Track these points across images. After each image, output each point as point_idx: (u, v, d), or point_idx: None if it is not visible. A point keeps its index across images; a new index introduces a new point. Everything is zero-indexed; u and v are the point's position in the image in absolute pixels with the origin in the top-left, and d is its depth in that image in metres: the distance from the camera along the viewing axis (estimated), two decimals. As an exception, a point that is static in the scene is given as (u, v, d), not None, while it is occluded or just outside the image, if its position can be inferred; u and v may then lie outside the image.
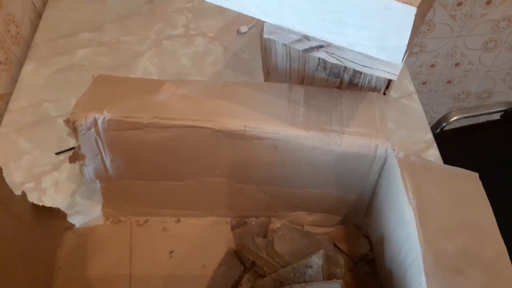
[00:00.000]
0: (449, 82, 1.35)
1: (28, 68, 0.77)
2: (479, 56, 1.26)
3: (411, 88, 0.76)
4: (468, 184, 0.43)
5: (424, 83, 1.35)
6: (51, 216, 0.54)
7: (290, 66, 0.56)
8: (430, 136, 0.69)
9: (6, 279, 0.43)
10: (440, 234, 0.38)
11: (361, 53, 0.47)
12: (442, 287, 0.35)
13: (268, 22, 0.48)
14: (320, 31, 0.40)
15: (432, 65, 1.28)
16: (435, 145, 0.68)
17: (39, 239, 0.51)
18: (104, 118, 0.48)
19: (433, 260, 0.36)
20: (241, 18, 0.85)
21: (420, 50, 1.23)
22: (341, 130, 0.47)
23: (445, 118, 1.05)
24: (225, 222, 0.58)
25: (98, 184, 0.56)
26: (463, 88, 1.38)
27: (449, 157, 0.68)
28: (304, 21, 0.40)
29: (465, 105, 1.46)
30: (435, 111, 1.45)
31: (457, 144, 1.05)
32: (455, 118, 1.03)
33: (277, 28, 0.51)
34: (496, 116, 1.09)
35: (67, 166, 0.64)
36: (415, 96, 0.74)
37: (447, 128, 1.05)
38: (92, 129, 0.49)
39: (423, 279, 0.35)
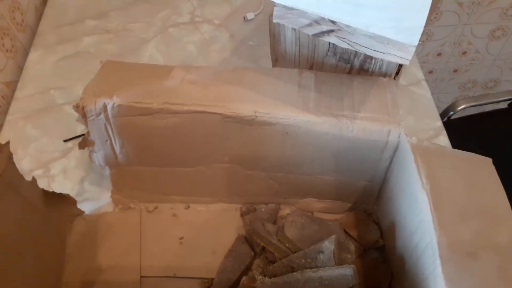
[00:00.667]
0: (455, 71, 1.34)
1: (34, 55, 0.76)
2: (486, 45, 1.25)
3: (420, 75, 0.75)
4: (482, 169, 0.42)
5: (431, 72, 1.33)
6: (60, 203, 0.54)
7: (299, 52, 0.56)
8: (439, 123, 0.69)
9: (17, 264, 0.43)
10: (455, 218, 0.38)
11: (373, 38, 0.47)
12: (458, 271, 0.35)
13: (278, 6, 0.47)
14: (335, 12, 0.40)
15: (439, 54, 1.27)
16: (444, 132, 0.68)
17: (49, 225, 0.51)
18: (113, 104, 0.48)
19: (448, 244, 0.36)
20: (247, 5, 0.84)
21: (427, 39, 1.21)
22: (352, 116, 0.46)
23: (452, 107, 1.04)
24: (234, 208, 0.58)
25: (107, 171, 0.56)
26: (469, 77, 1.37)
27: (456, 146, 0.68)
28: (319, 1, 0.40)
29: (471, 95, 1.45)
30: (441, 100, 1.44)
31: (464, 133, 1.05)
32: (462, 106, 1.02)
33: (288, 12, 0.50)
34: (503, 105, 1.08)
35: (75, 153, 0.64)
36: (424, 83, 0.74)
37: (454, 117, 1.05)
38: (102, 115, 0.49)
39: (438, 263, 0.35)
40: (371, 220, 0.56)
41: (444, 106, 1.06)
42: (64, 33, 0.80)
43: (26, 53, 0.78)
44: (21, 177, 0.45)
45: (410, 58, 0.47)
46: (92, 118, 0.49)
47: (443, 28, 1.18)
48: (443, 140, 0.66)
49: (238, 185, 0.57)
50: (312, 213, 0.58)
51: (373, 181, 0.52)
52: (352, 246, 0.52)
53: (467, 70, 1.34)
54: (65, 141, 0.65)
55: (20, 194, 0.44)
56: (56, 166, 0.63)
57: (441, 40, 1.22)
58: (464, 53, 1.27)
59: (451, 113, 1.03)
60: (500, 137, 1.03)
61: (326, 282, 0.44)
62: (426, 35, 1.20)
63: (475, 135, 1.06)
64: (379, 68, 0.53)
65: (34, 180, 0.48)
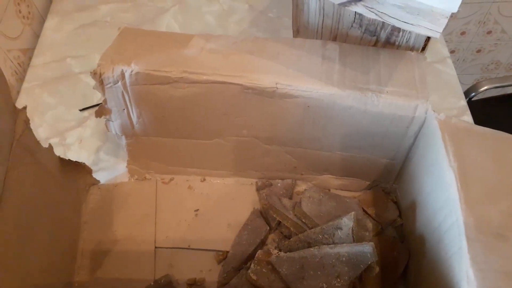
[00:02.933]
0: (479, 51, 1.30)
1: (50, 23, 0.75)
2: (513, 24, 1.20)
3: (445, 52, 0.72)
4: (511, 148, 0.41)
5: (453, 51, 1.29)
6: (76, 171, 0.53)
7: (322, 22, 0.53)
8: (463, 102, 0.66)
9: (34, 228, 0.43)
10: (483, 198, 0.37)
11: (403, 8, 0.44)
12: (484, 252, 0.34)
13: (304, -28, 0.45)
14: (365, -22, 0.38)
15: (463, 33, 1.22)
16: (468, 112, 0.65)
17: (65, 193, 0.51)
18: (131, 71, 0.47)
19: (475, 224, 0.35)
20: (268, -25, 0.81)
21: (451, 17, 1.17)
22: (378, 90, 0.45)
23: (474, 88, 1.01)
24: (250, 183, 0.57)
25: (123, 141, 0.55)
26: (493, 58, 1.33)
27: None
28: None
29: (494, 76, 1.40)
30: (462, 82, 1.40)
31: (486, 115, 1.02)
32: (485, 87, 0.99)
33: (313, -20, 0.48)
34: (526, 88, 1.05)
35: (91, 122, 0.63)
36: (449, 61, 0.71)
37: (475, 98, 1.02)
38: (119, 83, 0.48)
39: (464, 243, 0.34)
40: (389, 199, 0.55)
41: (465, 88, 1.03)
42: (80, 1, 0.78)
43: (42, 20, 0.76)
44: (38, 143, 0.44)
45: (441, 30, 0.45)
46: (109, 85, 0.48)
47: (469, 5, 1.14)
48: (467, 119, 0.64)
49: (255, 159, 0.56)
50: (329, 190, 0.57)
51: (395, 159, 0.51)
52: (369, 224, 0.51)
53: (491, 50, 1.30)
54: (81, 110, 0.65)
55: (37, 159, 0.44)
56: (72, 135, 0.62)
57: (466, 18, 1.18)
58: (489, 32, 1.23)
59: (473, 94, 1.00)
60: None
61: (344, 258, 0.43)
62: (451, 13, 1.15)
63: (496, 118, 1.03)
64: (406, 42, 0.50)
65: (50, 147, 0.47)
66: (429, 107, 0.44)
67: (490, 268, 0.33)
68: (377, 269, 0.43)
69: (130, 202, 0.56)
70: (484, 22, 1.19)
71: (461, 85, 0.72)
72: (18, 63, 0.69)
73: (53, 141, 0.62)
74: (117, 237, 0.53)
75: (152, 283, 0.49)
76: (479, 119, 0.76)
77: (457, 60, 1.33)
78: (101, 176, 0.57)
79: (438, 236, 0.40)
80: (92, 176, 0.56)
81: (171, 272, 0.50)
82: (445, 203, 0.38)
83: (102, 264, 0.51)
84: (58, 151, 0.60)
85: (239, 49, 0.49)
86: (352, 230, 0.45)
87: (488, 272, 0.33)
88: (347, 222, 0.45)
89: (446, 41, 1.25)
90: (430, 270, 0.42)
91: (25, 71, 0.70)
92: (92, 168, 0.56)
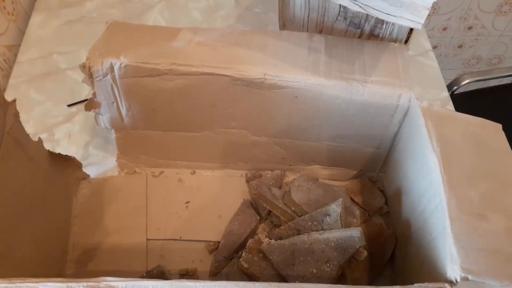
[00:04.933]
0: (460, 46, 1.33)
1: (35, 19, 0.75)
2: (492, 20, 1.23)
3: (427, 45, 0.74)
4: (491, 133, 0.42)
5: (435, 47, 1.32)
6: (66, 165, 0.54)
7: (308, 16, 0.55)
8: (446, 94, 0.68)
9: (25, 223, 0.43)
10: (464, 180, 0.38)
11: (385, 0, 0.46)
12: (466, 231, 0.35)
13: (290, -34, 0.46)
14: (349, -31, 0.39)
15: (444, 28, 1.25)
16: (451, 103, 0.67)
17: (55, 187, 0.51)
18: (120, 64, 0.47)
19: (457, 205, 0.36)
20: (253, -29, 0.82)
21: (433, 12, 1.19)
22: (363, 79, 0.46)
23: (456, 81, 1.03)
24: (240, 175, 0.58)
25: (113, 135, 0.55)
26: (474, 53, 1.36)
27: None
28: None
29: (475, 71, 1.44)
30: (445, 77, 1.42)
31: (468, 108, 1.04)
32: (467, 81, 1.02)
33: (299, -26, 0.49)
34: (507, 81, 1.08)
35: (79, 118, 0.63)
36: (431, 54, 0.73)
37: (457, 92, 1.04)
38: (108, 76, 0.48)
39: (447, 223, 0.35)
40: (376, 187, 0.56)
41: (447, 83, 1.05)
42: (66, -3, 0.78)
43: (27, 16, 0.76)
44: (27, 136, 0.45)
45: (422, 22, 0.47)
46: (98, 78, 0.48)
47: (450, 1, 1.16)
48: (450, 110, 0.66)
49: (244, 151, 0.56)
50: (318, 179, 0.58)
51: (380, 148, 0.52)
52: (357, 211, 0.52)
53: (472, 46, 1.33)
54: (69, 105, 0.65)
55: (27, 153, 0.44)
56: (60, 131, 0.62)
57: (447, 14, 1.20)
58: (470, 28, 1.26)
59: (455, 87, 1.03)
60: (503, 113, 1.02)
61: (333, 243, 0.44)
62: (432, 8, 1.18)
63: (478, 111, 1.05)
64: (390, 34, 0.52)
65: (40, 140, 0.47)
66: (412, 95, 0.45)
67: (472, 246, 0.34)
68: (365, 253, 0.44)
69: (121, 195, 0.56)
70: (465, 18, 1.22)
71: (444, 80, 0.74)
72: (3, 60, 0.69)
73: (41, 136, 0.61)
74: (108, 230, 0.53)
75: (144, 274, 0.49)
76: (461, 112, 0.78)
77: (439, 56, 1.36)
78: (91, 171, 0.58)
79: (423, 219, 0.42)
80: (82, 170, 0.56)
81: (163, 263, 0.51)
82: (429, 186, 0.40)
83: (94, 257, 0.51)
84: (47, 147, 0.60)
85: (227, 41, 0.50)
86: (340, 216, 0.46)
87: (470, 249, 0.34)
88: (335, 209, 0.47)
89: (428, 37, 1.28)
90: (415, 253, 0.43)
91: (11, 67, 0.69)
92: (81, 162, 0.56)
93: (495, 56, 1.38)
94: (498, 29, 1.27)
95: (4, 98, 0.41)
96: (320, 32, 0.55)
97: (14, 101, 0.43)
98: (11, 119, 0.42)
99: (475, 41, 1.31)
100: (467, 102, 1.07)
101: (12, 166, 0.41)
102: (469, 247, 0.34)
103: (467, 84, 1.02)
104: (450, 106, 0.67)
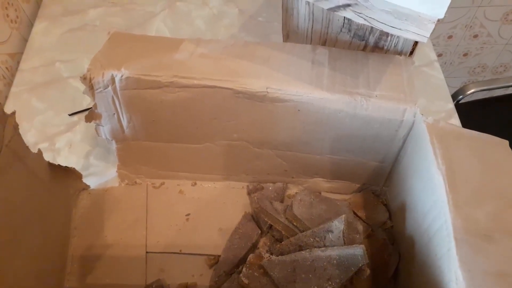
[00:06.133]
0: (465, 54, 1.32)
1: (38, 27, 0.75)
2: (498, 28, 1.22)
3: (433, 56, 0.73)
4: (498, 151, 0.41)
5: (440, 55, 1.31)
6: (66, 176, 0.53)
7: (312, 27, 0.54)
8: (451, 105, 0.67)
9: (24, 235, 0.42)
10: (470, 200, 0.37)
11: (391, 13, 0.45)
12: (472, 253, 0.34)
13: (294, -22, 0.45)
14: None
15: (450, 37, 1.24)
16: (456, 114, 0.66)
17: (55, 198, 0.50)
18: (122, 76, 0.47)
19: (463, 226, 0.36)
20: (257, -21, 0.82)
21: (438, 20, 1.18)
22: (367, 94, 0.45)
23: (461, 91, 1.02)
24: (241, 187, 0.57)
25: (113, 145, 0.55)
26: (479, 61, 1.35)
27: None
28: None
29: (480, 79, 1.42)
30: (450, 85, 1.41)
31: (473, 117, 1.03)
32: (472, 90, 1.01)
33: (303, -15, 0.49)
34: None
35: (80, 127, 0.63)
36: (437, 64, 0.72)
37: (462, 101, 1.03)
38: (109, 87, 0.48)
39: (452, 244, 0.35)
40: (379, 201, 0.56)
41: (452, 91, 1.04)
42: (69, 5, 0.78)
43: (30, 24, 0.76)
44: (27, 148, 0.44)
45: (428, 35, 0.46)
46: (99, 90, 0.48)
47: (455, 10, 1.15)
48: (455, 122, 0.65)
49: (246, 163, 0.56)
50: (320, 193, 0.57)
51: (385, 162, 0.52)
52: (360, 227, 0.51)
53: (477, 54, 1.32)
54: (70, 115, 0.64)
55: (27, 165, 0.43)
56: (61, 140, 0.62)
57: (452, 23, 1.19)
58: (476, 36, 1.25)
59: (460, 97, 1.02)
60: (509, 124, 1.01)
61: (335, 261, 0.44)
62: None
63: (483, 121, 1.04)
64: (395, 46, 0.51)
65: (40, 152, 0.47)
66: (417, 110, 0.44)
67: (478, 269, 0.34)
68: (368, 271, 0.44)
69: (121, 207, 0.55)
70: (471, 26, 1.21)
71: (448, 88, 0.73)
72: (6, 68, 0.69)
73: (42, 146, 0.61)
74: (108, 242, 0.53)
75: (143, 288, 0.48)
76: (466, 122, 0.77)
77: (445, 64, 1.35)
78: (91, 181, 0.57)
79: (427, 237, 0.41)
80: (82, 181, 0.56)
81: (162, 277, 0.50)
82: (434, 205, 0.39)
83: (93, 270, 0.51)
84: (48, 156, 0.59)
85: (230, 53, 0.49)
86: (343, 233, 0.45)
87: (476, 272, 0.33)
88: (338, 225, 0.46)
89: (433, 45, 1.27)
90: (420, 271, 0.42)
91: (13, 75, 0.69)
92: (82, 173, 0.55)
93: (501, 64, 1.36)
94: (504, 38, 1.26)
95: (3, 111, 0.40)
96: (324, 43, 0.55)
97: (14, 113, 0.42)
98: (11, 131, 0.41)
99: (481, 50, 1.30)
100: (472, 111, 1.06)
101: (11, 179, 0.41)
102: (475, 270, 0.33)
103: (472, 93, 1.01)
104: (456, 118, 0.66)
